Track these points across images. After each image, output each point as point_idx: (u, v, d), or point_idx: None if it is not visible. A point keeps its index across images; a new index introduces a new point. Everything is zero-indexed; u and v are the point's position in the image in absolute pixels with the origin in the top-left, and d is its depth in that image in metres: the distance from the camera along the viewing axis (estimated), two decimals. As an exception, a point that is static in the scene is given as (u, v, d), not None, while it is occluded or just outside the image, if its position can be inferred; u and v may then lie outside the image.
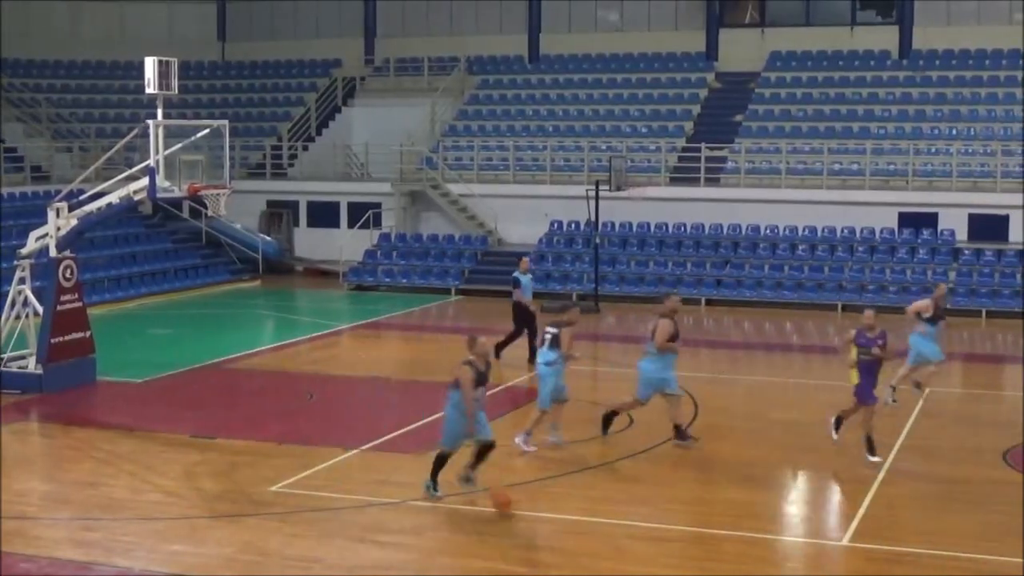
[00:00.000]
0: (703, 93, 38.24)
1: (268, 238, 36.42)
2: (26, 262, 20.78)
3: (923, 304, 19.09)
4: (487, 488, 14.10)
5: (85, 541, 13.02)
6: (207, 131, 20.66)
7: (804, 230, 32.44)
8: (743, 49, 38.85)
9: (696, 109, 37.56)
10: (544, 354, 16.55)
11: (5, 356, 20.65)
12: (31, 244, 20.93)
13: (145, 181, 19.66)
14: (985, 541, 13.09)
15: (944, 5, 37.46)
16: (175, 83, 19.83)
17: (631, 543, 12.98)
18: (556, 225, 34.25)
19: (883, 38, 37.90)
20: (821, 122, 35.69)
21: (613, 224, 33.52)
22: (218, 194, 20.51)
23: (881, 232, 31.95)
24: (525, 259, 23.96)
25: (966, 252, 31.01)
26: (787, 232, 32.54)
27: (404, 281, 33.55)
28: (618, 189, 31.01)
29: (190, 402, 20.09)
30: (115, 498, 14.50)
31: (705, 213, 33.21)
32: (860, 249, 31.71)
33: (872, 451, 15.85)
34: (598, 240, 31.69)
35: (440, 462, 14.33)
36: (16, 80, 39.69)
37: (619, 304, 30.66)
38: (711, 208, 33.30)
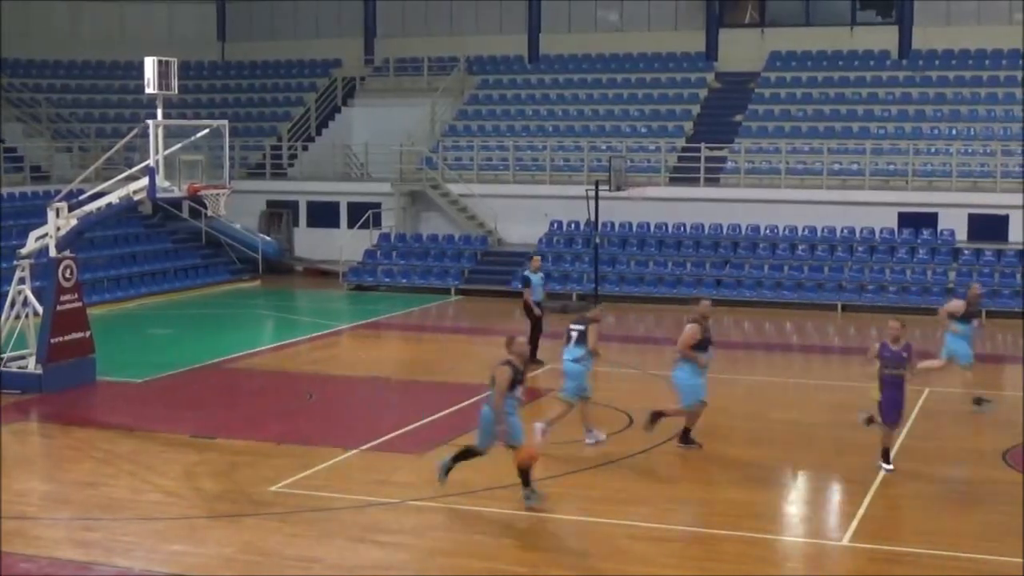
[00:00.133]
0: (703, 93, 38.25)
1: (268, 238, 36.43)
2: (26, 262, 20.78)
3: (955, 305, 19.24)
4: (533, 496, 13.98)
5: (85, 541, 13.02)
6: (207, 131, 20.64)
7: (804, 230, 32.44)
8: (743, 49, 38.85)
9: (696, 109, 37.56)
10: (571, 351, 16.71)
11: (5, 356, 20.65)
12: (31, 244, 20.93)
13: (145, 181, 19.65)
14: (985, 541, 13.08)
15: (944, 5, 37.46)
16: (175, 83, 19.81)
17: (631, 543, 12.98)
18: (556, 225, 34.25)
19: (883, 38, 37.90)
20: (821, 122, 35.69)
21: (613, 224, 33.52)
22: (218, 194, 20.50)
23: (881, 232, 31.95)
24: (537, 258, 23.82)
25: (966, 252, 31.01)
26: (787, 232, 32.54)
27: (404, 281, 33.55)
28: (618, 189, 31.01)
29: (190, 402, 20.08)
30: (115, 498, 14.50)
31: (705, 213, 33.21)
32: (860, 249, 31.71)
33: (887, 460, 15.55)
34: (598, 240, 31.70)
35: (465, 455, 14.20)
36: (16, 80, 39.69)
37: (619, 304, 30.64)
38: (711, 208, 33.30)
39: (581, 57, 40.48)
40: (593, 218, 31.61)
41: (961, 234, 31.56)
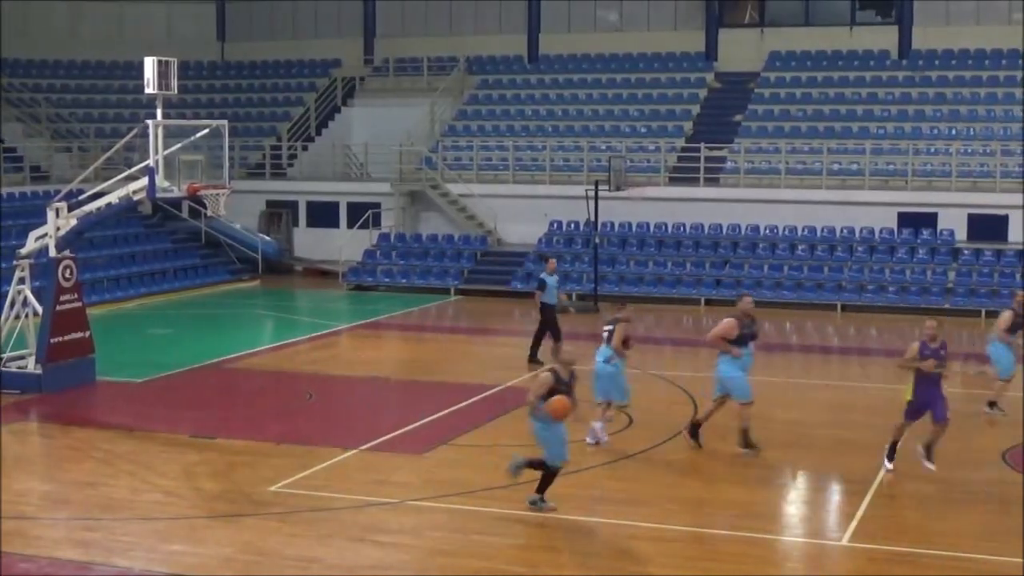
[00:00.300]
0: (702, 93, 38.25)
1: (267, 238, 36.42)
2: (25, 262, 20.78)
3: (1006, 318, 19.07)
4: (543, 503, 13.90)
5: (85, 541, 13.02)
6: (206, 131, 20.64)
7: (803, 230, 32.44)
8: (742, 49, 38.85)
9: (695, 109, 37.56)
10: (602, 351, 16.95)
11: (5, 356, 20.64)
12: (30, 244, 20.92)
13: (144, 181, 19.64)
14: (985, 541, 13.09)
15: (943, 5, 37.45)
16: (174, 83, 19.81)
17: (631, 543, 12.98)
18: (555, 225, 34.24)
19: (882, 38, 37.90)
20: (820, 122, 35.69)
21: (612, 224, 33.52)
22: (217, 194, 20.49)
23: (880, 232, 31.95)
24: (552, 260, 23.79)
25: (965, 252, 31.00)
26: (786, 232, 32.54)
27: (403, 281, 33.54)
28: (617, 189, 31.02)
29: (189, 402, 20.08)
30: (115, 498, 14.50)
31: (704, 213, 33.20)
32: (859, 249, 31.71)
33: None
34: (597, 240, 31.69)
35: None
36: (16, 80, 39.68)
37: (618, 304, 30.58)
38: (710, 208, 33.29)
39: (581, 57, 40.47)
40: (593, 218, 31.61)
41: (961, 234, 31.56)
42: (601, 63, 40.10)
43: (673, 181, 34.45)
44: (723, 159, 34.76)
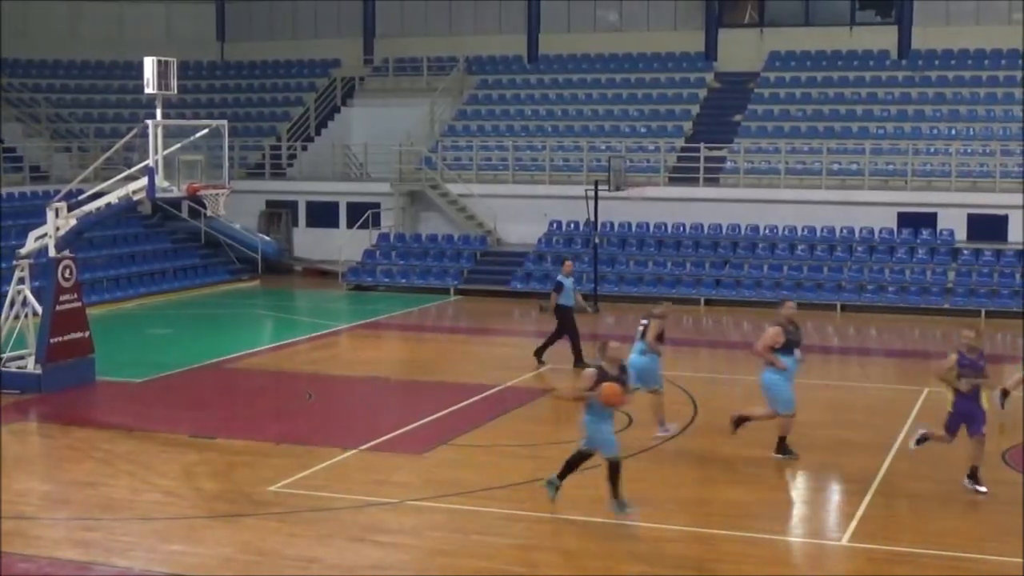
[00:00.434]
0: (702, 93, 38.25)
1: (267, 238, 36.41)
2: (25, 262, 20.77)
3: None
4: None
5: (84, 541, 13.01)
6: (206, 131, 20.64)
7: (803, 230, 32.44)
8: (742, 49, 38.85)
9: (695, 109, 37.56)
10: (637, 345, 17.33)
11: (4, 356, 20.63)
12: (30, 244, 20.91)
13: (144, 181, 19.64)
14: (985, 541, 13.09)
15: (943, 5, 37.46)
16: (174, 83, 19.80)
17: (631, 543, 12.98)
18: (555, 225, 34.24)
19: (882, 38, 37.91)
20: (820, 122, 35.69)
21: (612, 224, 33.52)
22: (217, 194, 20.49)
23: (880, 232, 31.95)
24: (569, 262, 23.69)
25: (965, 252, 31.00)
26: (786, 232, 32.53)
27: (403, 281, 33.53)
28: (617, 189, 31.01)
29: (189, 402, 20.08)
30: (114, 498, 14.49)
31: (704, 213, 33.20)
32: (859, 249, 31.71)
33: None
34: (597, 240, 31.69)
35: (614, 470, 13.67)
36: (15, 80, 39.68)
37: (618, 304, 30.63)
38: (710, 208, 33.29)
39: (580, 57, 40.47)
40: (592, 218, 31.60)
41: (960, 234, 31.56)
42: (601, 63, 40.10)
43: (673, 181, 34.45)
44: (723, 159, 34.76)
